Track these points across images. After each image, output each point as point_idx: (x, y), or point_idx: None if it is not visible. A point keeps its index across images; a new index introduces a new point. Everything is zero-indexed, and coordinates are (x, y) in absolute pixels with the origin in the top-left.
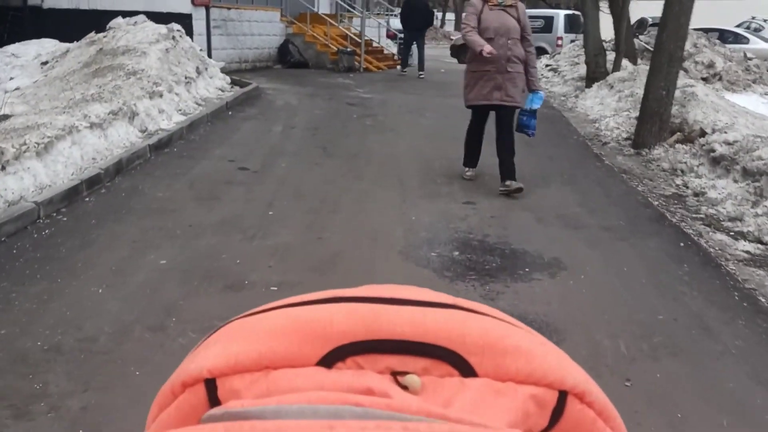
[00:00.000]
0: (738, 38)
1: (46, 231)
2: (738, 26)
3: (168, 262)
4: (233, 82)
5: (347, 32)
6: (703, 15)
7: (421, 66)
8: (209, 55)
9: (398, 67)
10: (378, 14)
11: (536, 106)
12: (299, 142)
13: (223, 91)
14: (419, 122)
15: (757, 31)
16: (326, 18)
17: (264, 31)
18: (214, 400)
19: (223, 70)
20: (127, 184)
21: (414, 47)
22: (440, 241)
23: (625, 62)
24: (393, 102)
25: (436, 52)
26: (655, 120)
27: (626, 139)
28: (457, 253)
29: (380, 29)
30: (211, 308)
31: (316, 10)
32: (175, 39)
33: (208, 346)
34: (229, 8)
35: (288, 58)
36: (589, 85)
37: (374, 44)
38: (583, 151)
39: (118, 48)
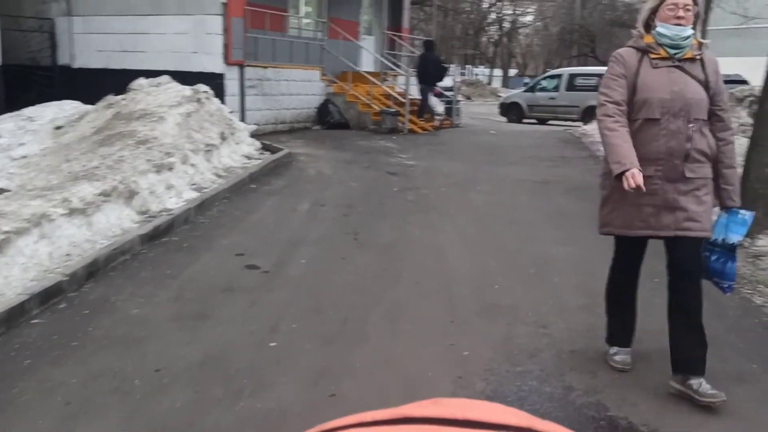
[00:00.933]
0: None
1: None
2: None
3: None
4: (264, 147)
5: (390, 91)
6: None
7: (421, 111)
8: (242, 117)
9: (436, 121)
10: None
11: (736, 237)
12: (326, 227)
13: (250, 158)
14: (469, 198)
15: None
16: (369, 76)
17: (303, 90)
18: None
19: (258, 132)
20: (97, 294)
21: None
22: (504, 399)
23: None
24: (438, 171)
25: (484, 109)
26: (759, 204)
27: None
28: None
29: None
30: None
31: (358, 68)
32: (200, 101)
33: None
34: (265, 67)
35: (328, 119)
36: None
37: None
38: None
39: (134, 112)
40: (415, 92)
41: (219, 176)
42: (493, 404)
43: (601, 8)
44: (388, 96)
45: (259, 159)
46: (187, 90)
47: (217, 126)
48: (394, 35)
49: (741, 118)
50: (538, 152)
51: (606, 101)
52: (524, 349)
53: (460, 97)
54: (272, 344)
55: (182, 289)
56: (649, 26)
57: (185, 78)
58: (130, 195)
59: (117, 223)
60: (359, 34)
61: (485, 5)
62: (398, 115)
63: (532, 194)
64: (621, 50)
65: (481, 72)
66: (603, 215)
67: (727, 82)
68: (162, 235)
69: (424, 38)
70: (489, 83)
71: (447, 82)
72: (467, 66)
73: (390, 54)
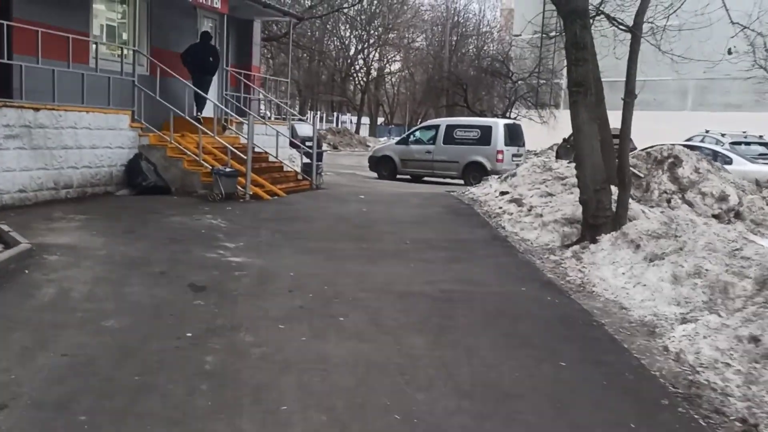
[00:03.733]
0: (715, 157)
1: None
2: (688, 140)
3: None
4: None
5: (227, 144)
6: (643, 131)
7: (199, 108)
8: None
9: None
10: (282, 119)
11: None
12: None
13: None
14: (323, 353)
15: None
16: (197, 125)
17: (102, 141)
18: None
19: (23, 203)
20: None
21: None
22: None
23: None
24: (279, 278)
25: (352, 161)
26: None
27: None
28: None
29: (278, 139)
30: None
31: (184, 114)
32: None
33: None
34: (36, 109)
35: (139, 181)
36: (590, 237)
37: (270, 159)
38: None
39: None
40: (264, 143)
41: None
42: None
43: (470, 57)
44: (226, 150)
45: None
46: None
47: None
48: (237, 73)
49: (662, 183)
50: (425, 231)
51: None
52: None
53: (325, 147)
54: None
55: None
56: None
57: None
58: None
59: None
60: None
61: (351, 51)
62: (237, 176)
63: (434, 333)
64: None
65: (348, 120)
66: None
67: (613, 136)
68: None
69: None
70: (357, 131)
71: (307, 130)
72: (334, 113)
73: (234, 97)
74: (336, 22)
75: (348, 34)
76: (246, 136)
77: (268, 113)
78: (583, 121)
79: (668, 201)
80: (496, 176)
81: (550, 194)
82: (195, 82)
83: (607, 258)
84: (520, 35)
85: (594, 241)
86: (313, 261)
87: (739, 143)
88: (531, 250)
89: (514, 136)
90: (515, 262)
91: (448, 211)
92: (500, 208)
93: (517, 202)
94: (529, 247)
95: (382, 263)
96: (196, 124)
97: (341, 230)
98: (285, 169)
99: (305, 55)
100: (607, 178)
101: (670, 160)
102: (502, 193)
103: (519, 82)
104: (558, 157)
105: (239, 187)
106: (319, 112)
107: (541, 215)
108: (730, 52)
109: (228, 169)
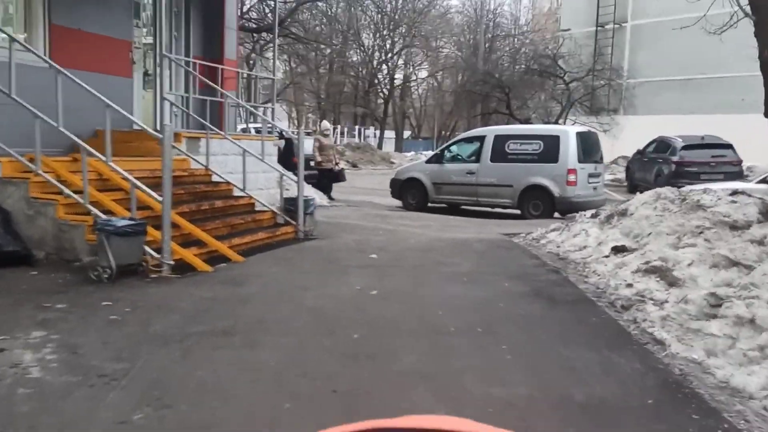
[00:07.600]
0: None
1: None
2: None
3: None
4: None
5: (127, 173)
6: (734, 139)
7: None
8: None
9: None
10: (265, 133)
11: None
12: None
13: None
14: None
15: None
16: (81, 144)
17: None
18: None
19: None
20: None
21: None
22: None
23: None
24: None
25: (373, 181)
26: None
27: None
28: None
29: (245, 159)
30: None
31: (58, 124)
32: None
33: None
34: None
35: None
36: None
37: (236, 193)
38: None
39: None
40: (235, 168)
41: None
42: (464, 420)
43: (506, 60)
44: (151, 182)
45: None
46: None
47: None
48: (187, 64)
49: None
50: (499, 363)
51: None
52: None
53: (343, 165)
54: None
55: None
56: None
57: None
58: None
59: None
60: (134, 65)
61: (375, 62)
62: (144, 232)
63: None
64: None
65: (373, 134)
66: None
67: (711, 146)
68: None
69: None
70: (379, 146)
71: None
72: (357, 127)
73: (185, 100)
74: (358, 31)
75: (372, 43)
76: (199, 161)
77: (278, 126)
78: None
79: None
80: (587, 215)
81: (739, 263)
82: None
83: None
84: (569, 30)
85: None
86: None
87: None
88: (696, 378)
89: (589, 148)
90: None
91: (529, 290)
92: (629, 285)
93: (664, 275)
94: (763, 422)
95: None
96: (79, 141)
97: (312, 375)
98: (257, 209)
99: (325, 62)
100: None
101: None
102: (617, 251)
103: (573, 83)
104: (629, 173)
105: (152, 252)
106: (340, 126)
107: (754, 321)
108: None
109: (123, 222)
